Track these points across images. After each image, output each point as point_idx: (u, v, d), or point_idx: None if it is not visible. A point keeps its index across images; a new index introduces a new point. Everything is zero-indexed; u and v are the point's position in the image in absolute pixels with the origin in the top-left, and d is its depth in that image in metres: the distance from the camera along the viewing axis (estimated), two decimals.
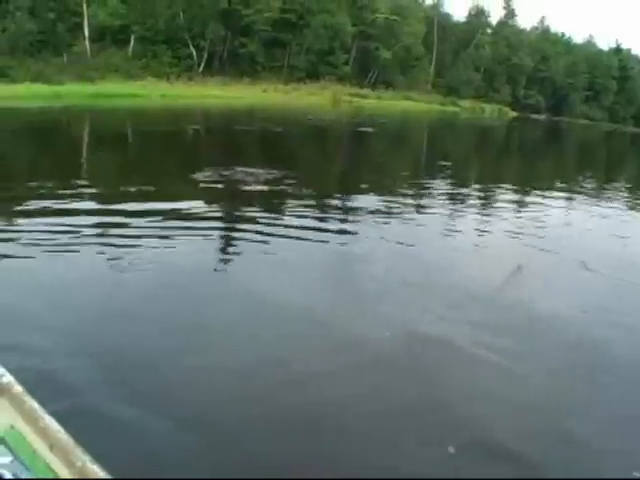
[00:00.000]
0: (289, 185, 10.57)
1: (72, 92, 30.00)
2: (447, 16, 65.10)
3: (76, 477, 1.63)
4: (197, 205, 8.52)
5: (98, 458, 1.70)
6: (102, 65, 36.89)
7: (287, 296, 5.29)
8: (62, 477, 1.66)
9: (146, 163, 13.10)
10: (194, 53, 41.48)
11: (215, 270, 5.98)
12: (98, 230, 6.79)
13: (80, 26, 37.88)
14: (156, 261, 5.89)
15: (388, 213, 9.31)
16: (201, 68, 41.27)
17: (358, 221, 8.57)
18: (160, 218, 7.44)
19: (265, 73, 43.79)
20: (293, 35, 45.48)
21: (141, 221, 7.23)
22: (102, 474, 1.60)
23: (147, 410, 3.37)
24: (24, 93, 27.51)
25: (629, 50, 79.38)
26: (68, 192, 8.51)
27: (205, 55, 41.79)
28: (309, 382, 3.97)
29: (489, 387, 4.13)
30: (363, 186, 11.89)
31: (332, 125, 28.13)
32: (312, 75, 45.74)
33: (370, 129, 26.45)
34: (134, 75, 36.61)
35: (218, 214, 8.39)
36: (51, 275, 5.43)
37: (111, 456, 1.88)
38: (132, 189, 9.26)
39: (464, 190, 13.10)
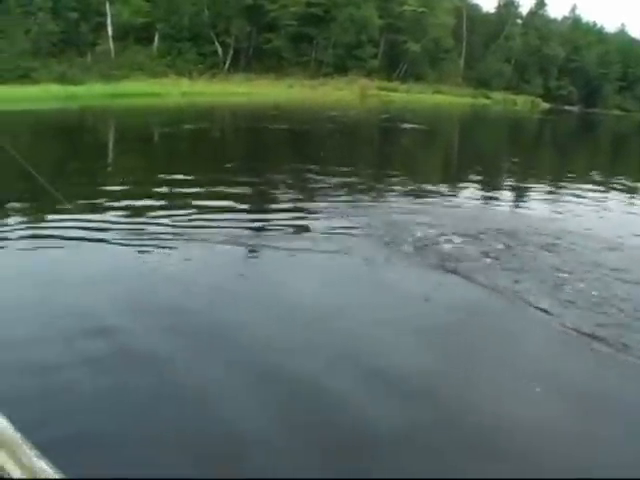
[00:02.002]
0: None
1: (91, 92, 29.91)
2: (476, 7, 63.86)
3: (25, 472, 1.55)
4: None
5: (46, 453, 1.61)
6: (126, 64, 36.59)
7: None
8: (11, 473, 1.57)
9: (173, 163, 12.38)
10: (219, 50, 40.92)
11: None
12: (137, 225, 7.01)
13: (103, 25, 37.65)
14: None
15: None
16: (227, 65, 40.72)
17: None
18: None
19: (291, 68, 42.96)
20: (319, 29, 44.67)
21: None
22: (50, 469, 1.54)
23: None
24: (42, 95, 27.21)
25: None
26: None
27: (231, 52, 41.20)
28: None
29: None
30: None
31: (365, 121, 27.22)
32: (339, 69, 44.84)
33: (411, 125, 25.21)
34: (158, 73, 36.16)
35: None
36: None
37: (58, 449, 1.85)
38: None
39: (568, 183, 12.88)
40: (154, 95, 31.40)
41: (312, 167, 11.80)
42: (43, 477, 1.53)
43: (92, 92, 30.33)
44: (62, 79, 32.69)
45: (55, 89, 29.40)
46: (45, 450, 1.63)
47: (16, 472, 1.57)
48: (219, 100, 31.89)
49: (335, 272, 5.87)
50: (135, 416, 3.33)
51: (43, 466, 1.53)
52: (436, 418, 3.53)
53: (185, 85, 34.77)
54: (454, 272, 5.66)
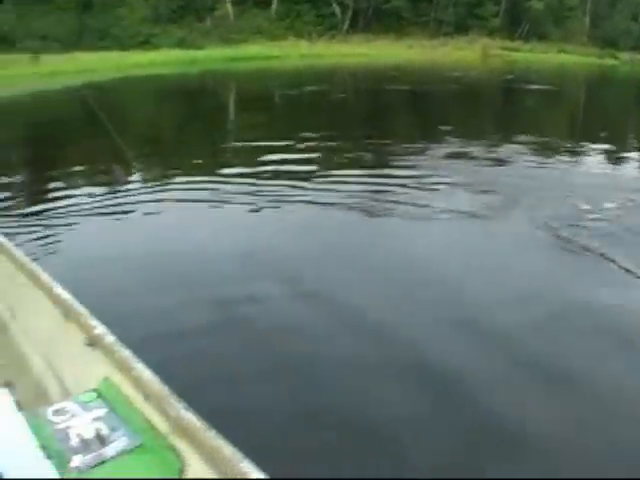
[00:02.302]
0: None
1: (211, 57, 30.56)
2: None
3: (171, 425, 1.58)
4: None
5: (193, 406, 1.60)
6: (245, 28, 37.23)
7: None
8: (160, 428, 1.62)
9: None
10: (338, 11, 40.78)
11: None
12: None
13: None
14: None
15: None
16: (345, 26, 40.53)
17: None
18: None
19: (411, 28, 42.04)
20: None
21: None
22: (197, 422, 1.52)
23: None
24: (162, 60, 28.23)
25: None
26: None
27: (349, 12, 40.93)
28: None
29: None
30: None
31: (488, 82, 26.47)
32: (460, 29, 43.41)
33: (537, 86, 24.18)
34: (277, 36, 36.58)
35: None
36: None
37: (206, 404, 1.75)
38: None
39: None
40: (273, 58, 31.82)
41: (436, 128, 11.70)
42: (191, 428, 1.52)
43: (212, 56, 31.17)
44: (182, 44, 33.84)
45: (176, 54, 30.53)
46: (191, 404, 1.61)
47: (163, 424, 1.61)
48: (338, 62, 31.88)
49: (466, 237, 5.67)
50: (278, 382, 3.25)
51: (191, 418, 1.53)
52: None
53: (304, 47, 35.02)
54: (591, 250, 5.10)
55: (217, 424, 1.53)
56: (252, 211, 6.38)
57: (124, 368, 1.80)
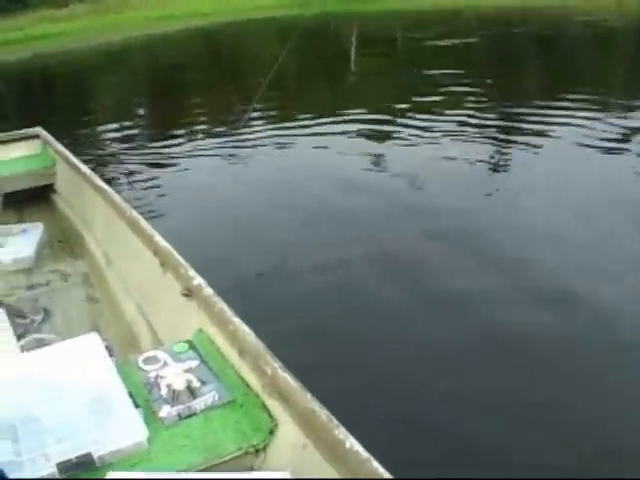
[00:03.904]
0: None
1: None
2: None
3: (265, 383, 1.50)
4: None
5: (289, 365, 1.49)
6: None
7: None
8: (252, 386, 1.56)
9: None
10: None
11: None
12: None
13: None
14: None
15: None
16: None
17: None
18: None
19: None
20: None
21: None
22: (293, 382, 1.42)
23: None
24: (276, 2, 28.04)
25: None
26: None
27: None
28: None
29: None
30: None
31: (625, 29, 24.22)
32: None
33: None
34: None
35: None
36: None
37: (301, 364, 1.63)
38: None
39: None
40: None
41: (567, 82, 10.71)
42: (286, 389, 1.43)
43: None
44: None
45: None
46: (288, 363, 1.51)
47: (256, 381, 1.54)
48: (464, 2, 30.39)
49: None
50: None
51: (286, 378, 1.44)
52: None
53: None
54: None
55: (312, 386, 1.42)
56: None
57: (220, 321, 1.73)
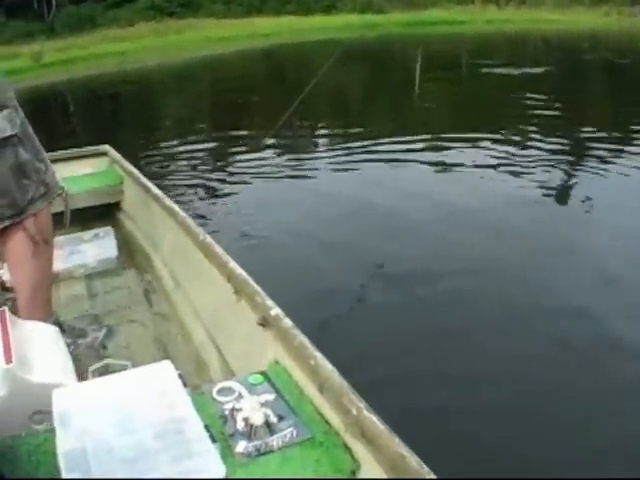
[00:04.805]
0: None
1: (389, 21, 30.25)
2: None
3: (348, 422, 1.39)
4: None
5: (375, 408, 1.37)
6: None
7: None
8: (333, 424, 1.46)
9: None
10: None
11: None
12: None
13: None
14: None
15: None
16: None
17: None
18: None
19: None
20: None
21: None
22: (380, 424, 1.31)
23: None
24: (341, 24, 28.37)
25: None
26: None
27: None
28: None
29: None
30: None
31: None
32: None
33: None
34: (465, 0, 35.30)
35: None
36: None
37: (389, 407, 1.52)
38: None
39: None
40: (456, 23, 30.77)
41: None
42: (371, 430, 1.31)
43: (391, 20, 30.84)
44: (367, 9, 33.74)
45: (353, 18, 30.64)
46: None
47: (337, 419, 1.45)
48: (527, 28, 30.06)
49: None
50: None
51: (372, 419, 1.33)
52: None
53: (492, 12, 33.48)
54: None
55: (400, 430, 1.31)
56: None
57: (298, 354, 1.65)
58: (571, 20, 32.77)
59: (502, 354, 3.09)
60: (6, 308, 1.77)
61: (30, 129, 2.07)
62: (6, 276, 2.61)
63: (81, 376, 1.81)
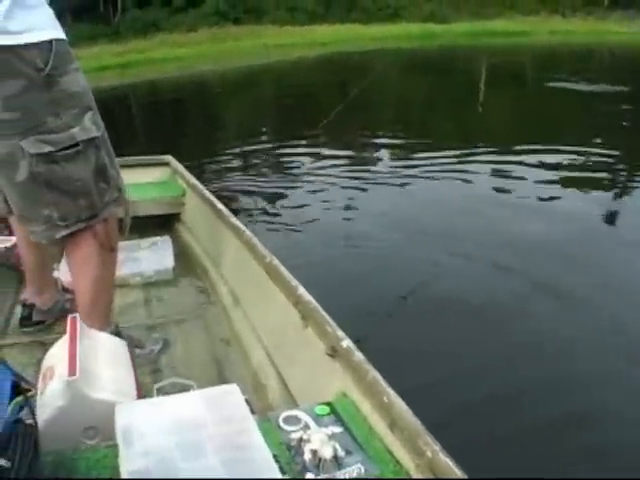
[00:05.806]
0: None
1: (451, 31, 29.87)
2: None
3: (420, 464, 1.30)
4: None
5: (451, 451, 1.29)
6: (497, 2, 35.82)
7: None
8: (404, 463, 1.38)
9: None
10: None
11: None
12: None
13: None
14: None
15: None
16: (605, 2, 37.10)
17: None
18: None
19: None
20: None
21: None
22: (455, 469, 1.22)
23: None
24: (402, 33, 28.22)
25: None
26: None
27: None
28: None
29: None
30: None
31: None
32: None
33: None
34: (530, 11, 34.69)
35: None
36: None
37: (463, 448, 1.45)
38: None
39: None
40: (519, 34, 30.26)
41: None
42: (444, 472, 1.24)
43: (453, 31, 30.49)
44: (431, 18, 33.49)
45: (414, 28, 30.40)
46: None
47: (407, 457, 1.38)
48: (592, 40, 29.29)
49: None
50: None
51: (449, 464, 1.25)
52: None
53: (556, 23, 32.82)
54: None
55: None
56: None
57: (369, 389, 1.58)
58: (637, 33, 31.85)
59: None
60: (77, 315, 1.76)
61: (106, 133, 2.04)
62: (64, 277, 2.61)
63: (140, 390, 1.78)
